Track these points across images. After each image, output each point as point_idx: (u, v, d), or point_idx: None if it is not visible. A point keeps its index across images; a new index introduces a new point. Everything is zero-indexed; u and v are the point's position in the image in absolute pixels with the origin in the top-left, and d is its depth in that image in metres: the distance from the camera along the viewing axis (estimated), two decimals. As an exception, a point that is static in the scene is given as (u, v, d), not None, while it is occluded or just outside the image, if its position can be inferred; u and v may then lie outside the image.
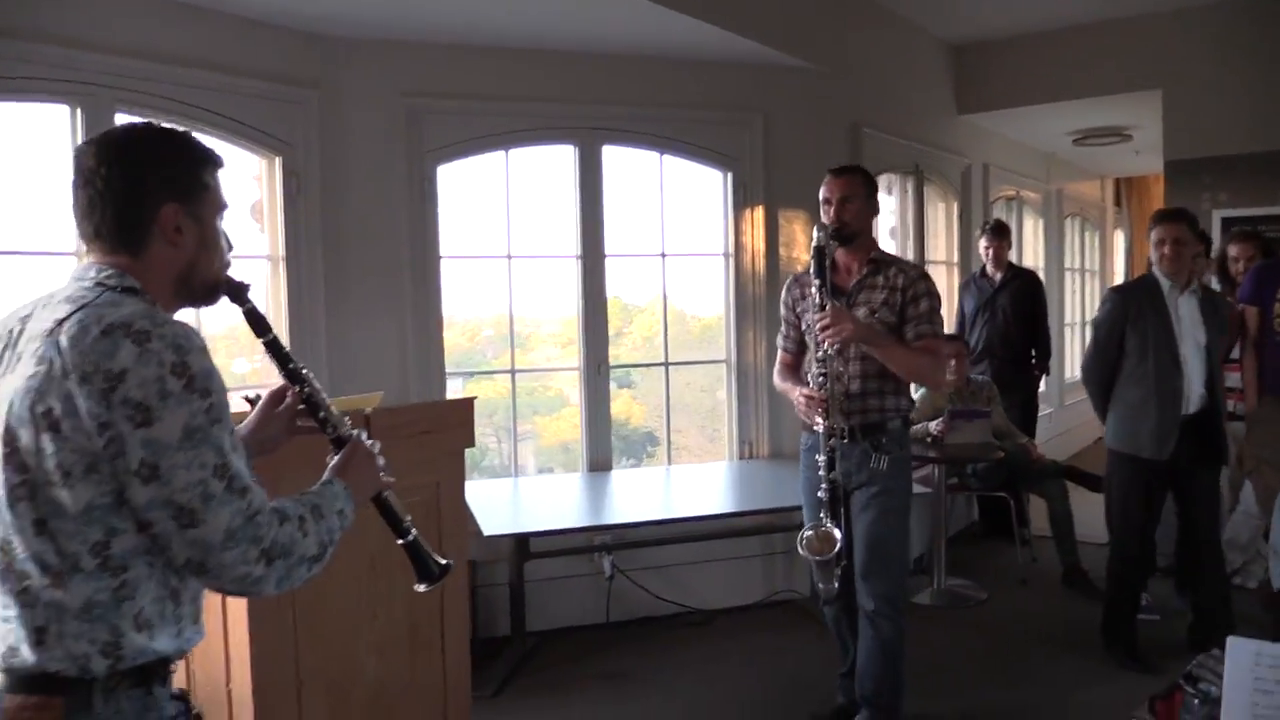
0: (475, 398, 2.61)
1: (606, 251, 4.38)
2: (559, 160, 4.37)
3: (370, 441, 1.60)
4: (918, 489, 4.35)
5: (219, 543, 1.26)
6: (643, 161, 4.57)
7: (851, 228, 2.95)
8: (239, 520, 1.28)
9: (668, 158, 4.55)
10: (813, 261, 2.90)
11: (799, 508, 4.38)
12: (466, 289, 4.47)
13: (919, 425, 4.75)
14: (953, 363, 4.93)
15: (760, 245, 4.63)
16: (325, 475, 1.52)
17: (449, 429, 2.54)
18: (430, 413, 2.66)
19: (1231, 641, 1.66)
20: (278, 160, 3.75)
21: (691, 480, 4.58)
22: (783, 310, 3.22)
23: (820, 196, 3.03)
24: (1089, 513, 5.40)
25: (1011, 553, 5.16)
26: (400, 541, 1.62)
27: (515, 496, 4.28)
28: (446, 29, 3.87)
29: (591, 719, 3.49)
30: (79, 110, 3.16)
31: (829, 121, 4.80)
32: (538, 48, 4.13)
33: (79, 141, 2.71)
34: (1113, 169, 8.89)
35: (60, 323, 1.27)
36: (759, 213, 4.62)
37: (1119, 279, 9.60)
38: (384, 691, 2.45)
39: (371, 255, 3.96)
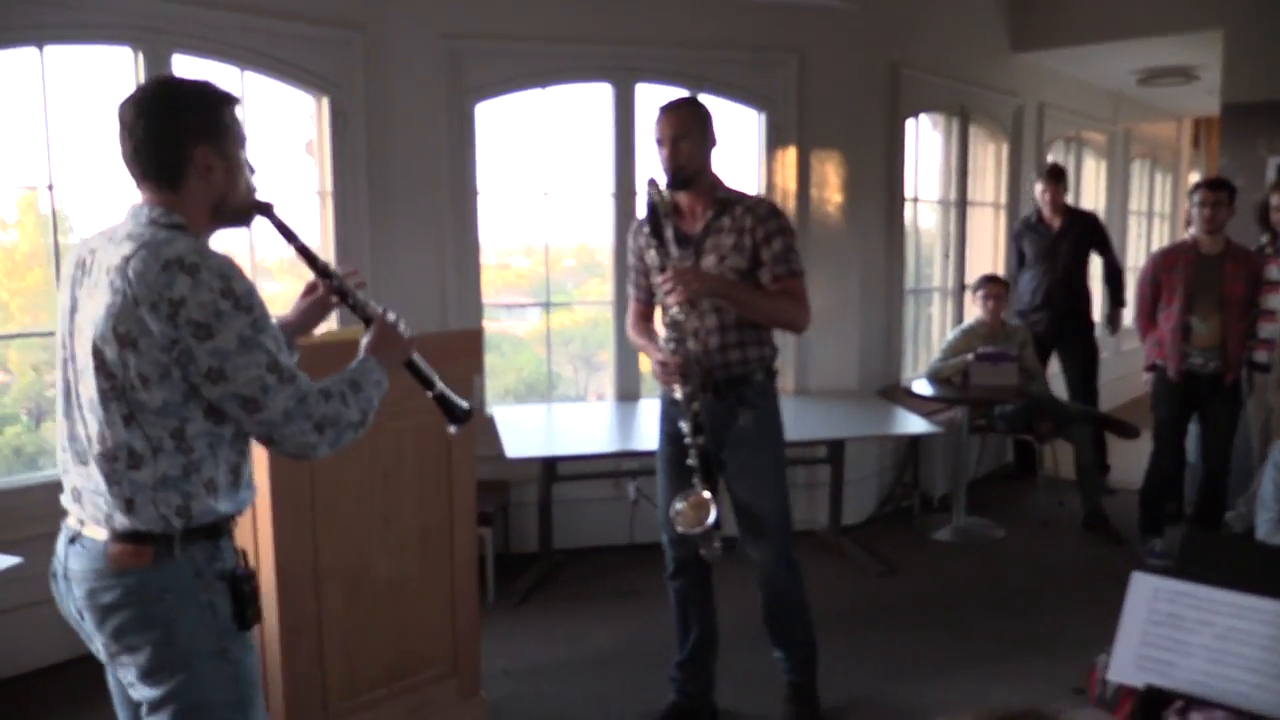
0: (482, 329, 2.81)
1: (638, 188, 4.51)
2: (596, 99, 4.50)
3: (393, 317, 1.89)
4: (935, 429, 4.47)
5: (279, 420, 1.60)
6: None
7: (687, 170, 2.70)
8: (293, 402, 1.60)
9: (703, 97, 4.62)
10: (646, 221, 2.70)
11: (823, 441, 4.57)
12: (538, 221, 4.63)
13: (956, 360, 4.83)
14: (990, 304, 4.98)
15: (792, 186, 4.70)
16: (360, 353, 1.81)
17: (456, 358, 2.74)
18: (440, 341, 2.85)
19: (1135, 576, 1.78)
20: (326, 100, 3.98)
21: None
22: (630, 258, 2.97)
23: (653, 138, 2.76)
24: (1130, 460, 5.45)
25: (1039, 495, 5.24)
26: (430, 393, 1.94)
27: (549, 422, 4.52)
28: (485, -29, 4.00)
29: (603, 630, 3.75)
30: (140, 53, 3.43)
31: (866, 61, 4.80)
32: (575, -12, 4.24)
33: (141, 81, 2.97)
34: (1190, 108, 8.56)
35: (127, 259, 1.55)
36: (791, 154, 4.69)
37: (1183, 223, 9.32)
38: (396, 589, 2.72)
39: (414, 190, 4.17)
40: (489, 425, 4.11)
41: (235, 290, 1.56)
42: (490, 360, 4.73)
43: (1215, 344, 4.16)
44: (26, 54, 3.25)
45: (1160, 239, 8.74)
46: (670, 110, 2.74)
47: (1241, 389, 4.31)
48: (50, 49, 3.27)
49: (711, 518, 2.65)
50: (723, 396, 2.78)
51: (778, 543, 2.85)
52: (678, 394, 2.68)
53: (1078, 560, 4.50)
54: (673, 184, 2.72)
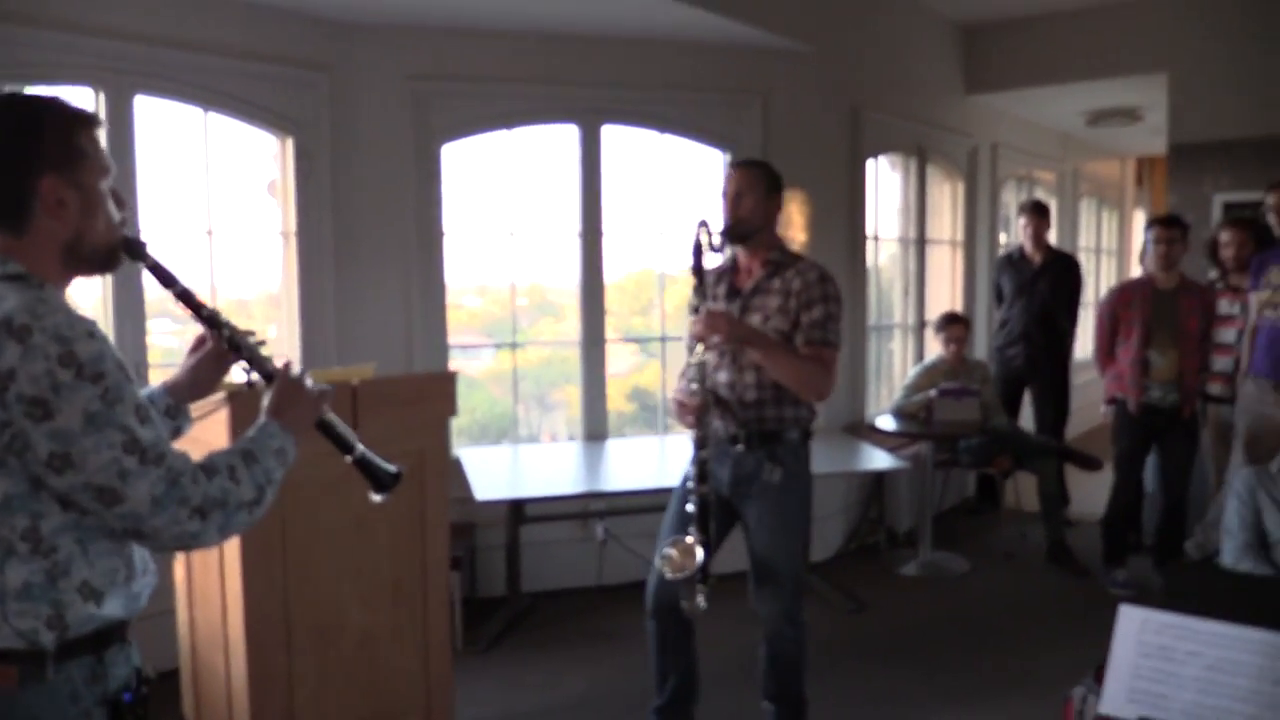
0: (457, 372, 2.78)
1: (605, 228, 4.53)
2: (562, 141, 4.52)
3: (298, 370, 1.59)
4: (902, 465, 4.51)
5: (146, 511, 1.31)
6: (645, 141, 4.71)
7: (745, 225, 2.77)
8: (161, 487, 1.31)
9: (669, 138, 4.68)
10: (692, 259, 2.71)
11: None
12: (495, 260, 4.63)
13: (919, 395, 4.88)
14: (953, 346, 5.06)
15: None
16: (260, 416, 1.53)
17: (432, 400, 2.72)
18: (414, 384, 2.83)
19: (1123, 609, 1.80)
20: (290, 140, 3.94)
21: (684, 449, 4.74)
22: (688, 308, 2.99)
23: (720, 190, 2.86)
24: (1087, 492, 5.54)
25: (1002, 528, 5.29)
26: (349, 458, 1.63)
27: (515, 463, 4.47)
28: (451, 13, 4.01)
29: (576, 674, 3.69)
30: (101, 93, 3.37)
31: (829, 104, 4.89)
32: (539, 30, 4.27)
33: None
34: (1134, 148, 8.85)
35: None
36: (756, 193, 4.73)
37: (1136, 259, 9.59)
38: (369, 640, 2.65)
39: (379, 231, 4.14)
40: (455, 467, 4.06)
41: (78, 355, 1.26)
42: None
43: (1173, 377, 4.25)
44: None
45: (1108, 274, 8.97)
46: (740, 167, 2.87)
47: (1198, 420, 4.41)
48: (9, 89, 3.20)
49: (696, 564, 2.63)
50: (753, 449, 2.78)
51: (787, 600, 2.84)
52: (691, 436, 2.70)
53: (1044, 592, 4.54)
54: (728, 235, 2.76)
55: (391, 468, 1.66)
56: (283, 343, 4.03)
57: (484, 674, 3.66)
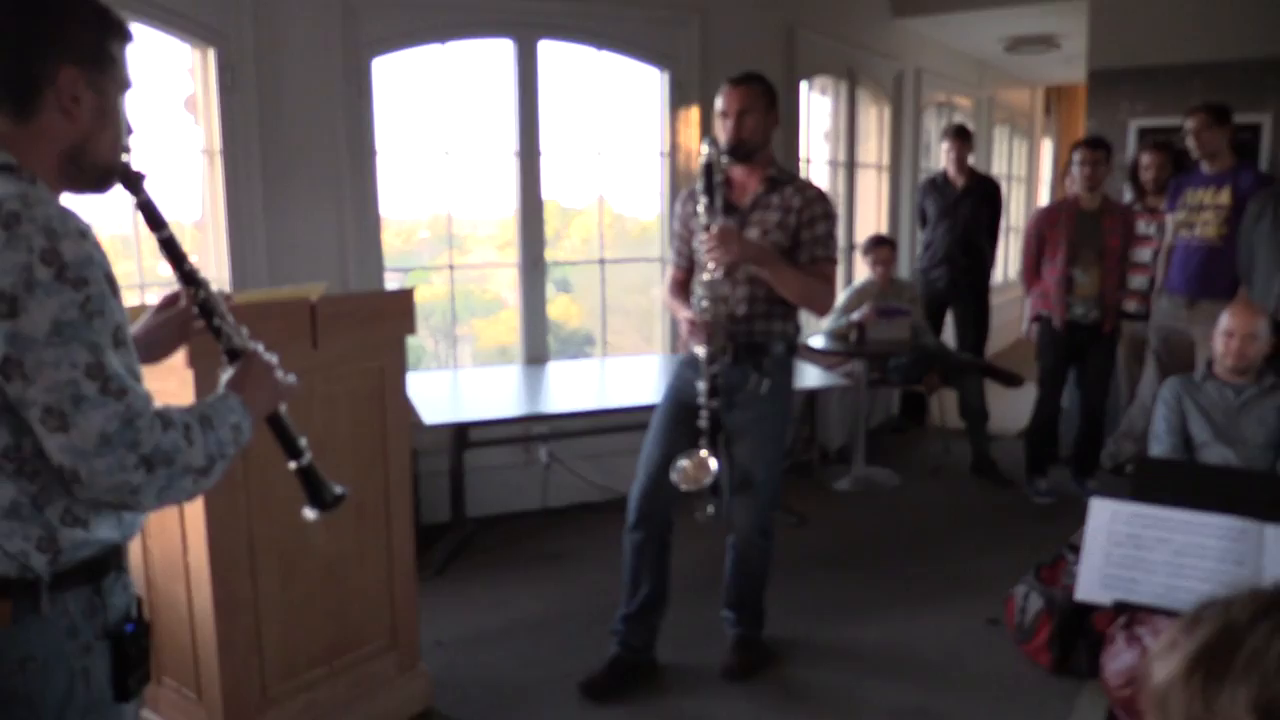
0: (415, 288, 2.71)
1: (543, 149, 4.43)
2: (497, 56, 4.38)
3: (269, 355, 1.49)
4: (840, 382, 4.62)
5: (92, 449, 1.15)
6: (581, 59, 4.59)
7: (749, 144, 2.77)
8: (114, 424, 1.16)
9: (605, 54, 4.58)
10: (700, 178, 2.72)
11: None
12: (402, 188, 4.50)
13: (843, 320, 4.99)
14: (880, 268, 5.16)
15: (696, 145, 4.71)
16: (219, 389, 1.41)
17: (391, 317, 2.64)
18: (373, 302, 2.74)
19: (1093, 501, 1.89)
20: (211, 52, 3.70)
21: (625, 373, 4.76)
22: (675, 224, 3.06)
23: (716, 107, 2.83)
24: (1005, 407, 5.77)
25: (927, 443, 5.48)
26: (293, 465, 1.53)
27: (455, 388, 4.41)
28: (381, -83, 3.81)
29: (530, 595, 3.71)
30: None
31: (765, 22, 4.85)
32: (474, -61, 4.10)
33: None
34: (1043, 77, 9.06)
35: None
36: (694, 113, 4.69)
37: (1045, 186, 9.90)
38: (334, 563, 2.61)
39: (309, 149, 3.96)
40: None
41: (63, 255, 1.14)
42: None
43: (1095, 294, 4.43)
44: None
45: (1019, 200, 9.24)
46: (738, 84, 2.80)
47: (1116, 337, 4.62)
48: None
49: (710, 477, 2.73)
50: (740, 361, 2.82)
51: (762, 509, 2.94)
52: (700, 353, 2.73)
53: (971, 502, 4.75)
54: (732, 155, 2.77)
55: (336, 488, 1.56)
56: (210, 268, 3.84)
57: (437, 599, 3.65)
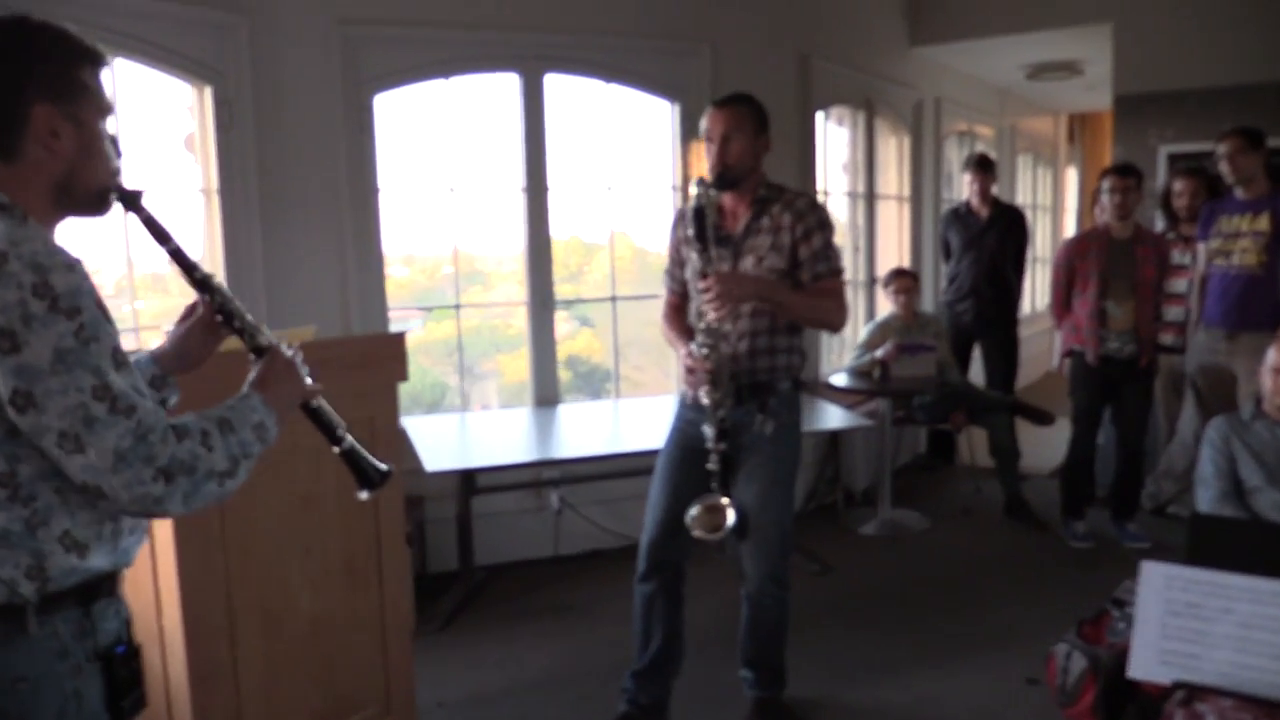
0: (406, 332, 2.57)
1: (550, 184, 4.30)
2: (504, 90, 4.27)
3: (292, 350, 1.52)
4: (863, 422, 4.43)
5: (109, 465, 1.21)
6: (590, 92, 4.48)
7: (735, 170, 2.58)
8: (127, 441, 1.22)
9: (615, 88, 4.46)
10: (691, 223, 2.52)
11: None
12: (422, 225, 4.40)
13: (866, 357, 4.81)
14: (902, 298, 4.98)
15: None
16: (243, 388, 1.45)
17: (382, 363, 2.50)
18: (361, 347, 2.61)
19: (1145, 565, 1.70)
20: (208, 89, 3.62)
21: (638, 414, 4.59)
22: (668, 248, 2.87)
23: (701, 131, 2.64)
24: (1036, 446, 5.55)
25: (957, 484, 5.26)
26: (336, 449, 1.56)
27: (463, 432, 4.26)
28: (382, -49, 3.73)
29: (539, 649, 3.52)
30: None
31: (778, 52, 4.72)
32: (479, -28, 4.01)
33: None
34: (1066, 104, 8.90)
35: None
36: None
37: (1071, 215, 9.69)
38: (321, 626, 2.44)
39: (308, 187, 3.85)
40: (400, 437, 3.83)
41: (54, 288, 1.20)
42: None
43: (1130, 327, 4.23)
44: None
45: (1044, 231, 9.03)
46: (722, 106, 2.62)
47: (1153, 371, 4.40)
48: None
49: (730, 522, 2.60)
50: (744, 402, 2.66)
51: (774, 558, 2.74)
52: (704, 399, 2.59)
53: (1005, 547, 4.52)
54: (718, 184, 2.58)
55: (382, 465, 1.58)
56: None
57: (442, 655, 3.47)
